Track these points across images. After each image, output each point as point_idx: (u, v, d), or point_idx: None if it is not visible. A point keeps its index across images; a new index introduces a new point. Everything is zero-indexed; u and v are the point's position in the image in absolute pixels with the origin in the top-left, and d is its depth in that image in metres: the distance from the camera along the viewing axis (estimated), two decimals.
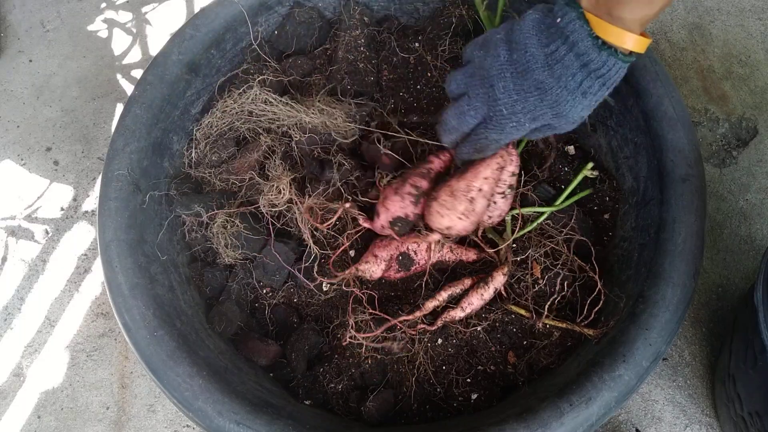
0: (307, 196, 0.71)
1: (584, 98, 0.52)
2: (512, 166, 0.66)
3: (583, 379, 0.58)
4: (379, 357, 0.67)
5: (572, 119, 0.54)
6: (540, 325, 0.67)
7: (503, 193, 0.67)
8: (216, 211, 0.72)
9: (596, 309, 0.66)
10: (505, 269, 0.68)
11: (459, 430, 0.61)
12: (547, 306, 0.67)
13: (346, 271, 0.69)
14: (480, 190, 0.63)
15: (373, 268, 0.69)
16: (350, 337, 0.66)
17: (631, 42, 0.49)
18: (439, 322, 0.67)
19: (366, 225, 0.69)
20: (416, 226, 0.69)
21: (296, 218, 0.71)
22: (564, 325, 0.67)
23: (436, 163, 0.68)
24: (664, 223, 0.66)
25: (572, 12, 0.50)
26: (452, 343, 0.69)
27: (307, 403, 0.67)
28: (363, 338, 0.66)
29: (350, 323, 0.67)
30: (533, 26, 0.52)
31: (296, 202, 0.70)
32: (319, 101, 0.78)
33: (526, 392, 0.65)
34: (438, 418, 0.67)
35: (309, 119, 0.75)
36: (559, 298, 0.68)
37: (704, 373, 0.91)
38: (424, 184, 0.67)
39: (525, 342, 0.69)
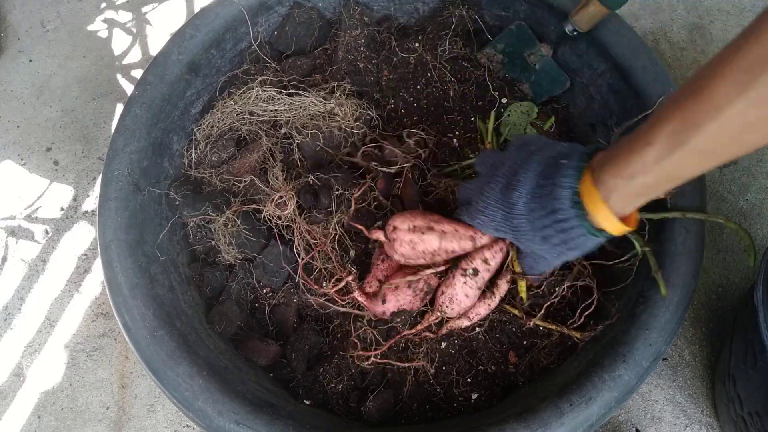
0: (304, 218, 0.70)
1: (544, 242, 0.54)
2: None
3: (583, 379, 0.58)
4: (382, 366, 0.67)
5: (532, 252, 0.59)
6: (531, 324, 0.67)
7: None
8: (220, 213, 0.72)
9: (587, 313, 0.66)
10: (509, 276, 0.67)
11: (459, 430, 0.61)
12: (543, 308, 0.67)
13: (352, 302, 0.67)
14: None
15: (388, 306, 0.67)
16: (356, 356, 0.66)
17: (607, 224, 0.49)
18: (445, 330, 0.67)
19: (363, 302, 0.67)
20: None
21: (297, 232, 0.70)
22: (554, 327, 0.67)
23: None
24: (664, 223, 0.66)
25: (572, 210, 0.50)
26: (453, 343, 0.69)
27: (307, 403, 0.67)
28: (369, 354, 0.66)
29: (354, 341, 0.67)
30: (528, 193, 0.54)
31: (297, 223, 0.70)
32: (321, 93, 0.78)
33: (526, 392, 0.65)
34: (438, 418, 0.67)
35: (318, 102, 0.75)
36: (557, 299, 0.68)
37: (704, 373, 0.91)
38: (434, 282, 0.67)
39: (525, 342, 0.69)
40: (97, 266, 1.05)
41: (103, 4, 1.33)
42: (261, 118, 0.78)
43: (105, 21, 1.31)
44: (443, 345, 0.68)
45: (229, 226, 0.71)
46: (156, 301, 0.64)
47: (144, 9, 1.32)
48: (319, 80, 0.83)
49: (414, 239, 0.63)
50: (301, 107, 0.77)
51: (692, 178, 0.44)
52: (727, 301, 0.96)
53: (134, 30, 1.29)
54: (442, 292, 0.66)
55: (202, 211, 0.72)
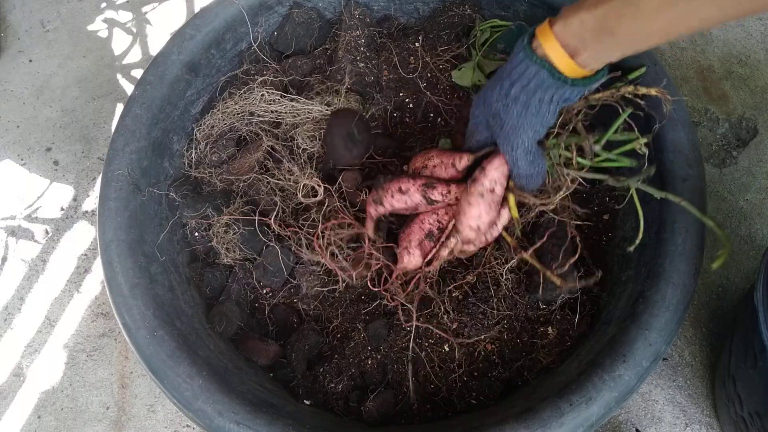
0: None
1: (509, 111, 0.56)
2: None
3: (583, 379, 0.58)
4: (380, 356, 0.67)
5: (513, 128, 0.57)
6: (519, 256, 0.65)
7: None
8: (222, 214, 0.72)
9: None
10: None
11: (459, 430, 0.61)
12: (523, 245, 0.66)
13: (394, 277, 0.69)
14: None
15: (413, 260, 0.68)
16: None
17: (554, 54, 0.51)
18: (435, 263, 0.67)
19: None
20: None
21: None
22: (538, 265, 0.64)
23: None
24: (664, 223, 0.66)
25: (522, 52, 0.53)
26: (452, 345, 0.69)
27: (307, 403, 0.67)
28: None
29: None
30: (497, 75, 0.57)
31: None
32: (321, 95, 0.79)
33: (526, 392, 0.65)
34: (438, 418, 0.67)
35: (318, 109, 0.75)
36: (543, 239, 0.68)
37: (704, 373, 0.91)
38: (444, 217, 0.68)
39: (525, 341, 0.69)
40: (97, 266, 1.05)
41: (103, 4, 1.33)
42: (261, 119, 0.78)
43: (105, 21, 1.31)
44: (445, 348, 0.68)
45: (231, 233, 0.71)
46: (156, 301, 0.64)
47: (144, 9, 1.32)
48: (319, 80, 0.83)
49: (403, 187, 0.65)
50: (302, 111, 0.77)
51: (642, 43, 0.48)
52: (727, 301, 0.96)
53: (134, 30, 1.29)
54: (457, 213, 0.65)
55: (202, 211, 0.72)
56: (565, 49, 0.50)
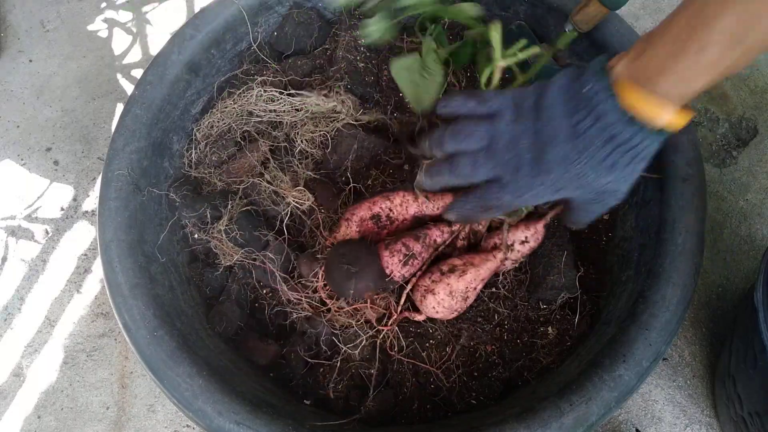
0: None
1: (612, 172, 0.48)
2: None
3: (583, 378, 0.58)
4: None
5: (600, 190, 0.50)
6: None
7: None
8: (221, 215, 0.72)
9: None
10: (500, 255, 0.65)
11: (459, 430, 0.61)
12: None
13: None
14: (476, 289, 0.65)
15: (347, 231, 0.66)
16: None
17: (666, 118, 0.45)
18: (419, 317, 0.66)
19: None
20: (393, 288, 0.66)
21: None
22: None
23: (434, 234, 0.65)
24: (664, 223, 0.66)
25: (599, 82, 0.46)
26: (454, 346, 0.69)
27: (307, 402, 0.67)
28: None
29: None
30: (559, 94, 0.49)
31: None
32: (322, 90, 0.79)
33: (526, 392, 0.65)
34: (438, 418, 0.67)
35: (318, 102, 0.75)
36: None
37: (704, 373, 0.91)
38: (417, 247, 0.64)
39: (525, 341, 0.69)
40: (97, 266, 1.05)
41: (103, 4, 1.33)
42: (260, 119, 0.78)
43: (105, 21, 1.31)
44: (446, 349, 0.68)
45: (229, 227, 0.71)
46: (156, 301, 0.64)
47: (144, 9, 1.32)
48: (319, 81, 0.83)
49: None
50: (302, 107, 0.77)
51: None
52: (727, 301, 0.96)
53: (134, 30, 1.29)
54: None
55: (201, 212, 0.72)
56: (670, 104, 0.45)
